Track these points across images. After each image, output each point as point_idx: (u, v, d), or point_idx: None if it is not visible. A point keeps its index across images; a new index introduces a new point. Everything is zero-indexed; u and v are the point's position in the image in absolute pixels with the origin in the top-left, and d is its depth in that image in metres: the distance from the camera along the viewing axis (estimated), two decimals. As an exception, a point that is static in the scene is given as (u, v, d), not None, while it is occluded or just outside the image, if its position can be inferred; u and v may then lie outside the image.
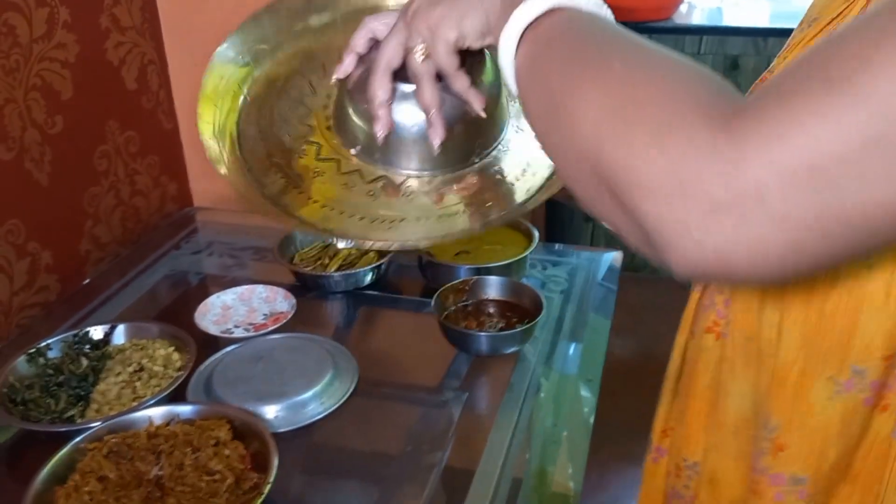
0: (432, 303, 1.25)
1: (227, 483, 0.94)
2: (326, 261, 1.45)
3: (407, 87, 0.69)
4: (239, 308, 1.34)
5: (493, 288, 1.30)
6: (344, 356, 1.22)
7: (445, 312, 1.26)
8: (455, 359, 1.21)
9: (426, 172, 0.74)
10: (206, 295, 1.31)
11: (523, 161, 0.77)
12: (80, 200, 1.49)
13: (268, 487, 0.91)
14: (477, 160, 0.75)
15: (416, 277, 1.44)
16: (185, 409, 1.05)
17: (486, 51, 0.69)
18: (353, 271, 1.39)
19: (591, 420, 1.16)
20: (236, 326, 1.30)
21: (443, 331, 1.23)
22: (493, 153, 0.76)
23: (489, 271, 1.34)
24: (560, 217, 2.98)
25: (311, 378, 1.14)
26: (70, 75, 1.42)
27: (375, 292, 1.42)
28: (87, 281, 1.49)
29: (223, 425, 1.01)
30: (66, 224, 1.47)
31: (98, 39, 1.48)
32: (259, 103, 0.78)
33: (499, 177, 0.75)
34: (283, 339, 1.24)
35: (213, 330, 1.27)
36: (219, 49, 0.76)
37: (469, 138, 0.74)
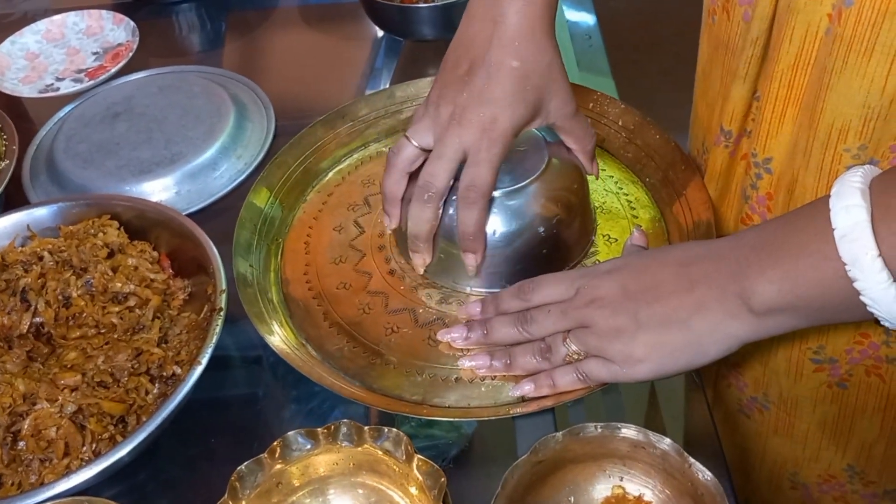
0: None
1: (150, 306, 0.61)
2: (156, -40, 1.00)
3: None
4: (52, 53, 0.91)
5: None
6: (240, 85, 0.84)
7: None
8: (388, 48, 0.93)
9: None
10: (-9, 46, 0.88)
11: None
12: None
13: (223, 297, 0.58)
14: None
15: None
16: (38, 214, 0.66)
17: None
18: (201, -33, 0.96)
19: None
20: (59, 80, 0.88)
21: (367, 8, 0.86)
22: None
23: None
24: None
25: (210, 125, 0.77)
26: None
27: (241, -11, 1.01)
28: None
29: (109, 224, 0.65)
30: None
31: None
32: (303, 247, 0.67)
33: None
34: (143, 79, 0.84)
35: (27, 92, 0.86)
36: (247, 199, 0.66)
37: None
